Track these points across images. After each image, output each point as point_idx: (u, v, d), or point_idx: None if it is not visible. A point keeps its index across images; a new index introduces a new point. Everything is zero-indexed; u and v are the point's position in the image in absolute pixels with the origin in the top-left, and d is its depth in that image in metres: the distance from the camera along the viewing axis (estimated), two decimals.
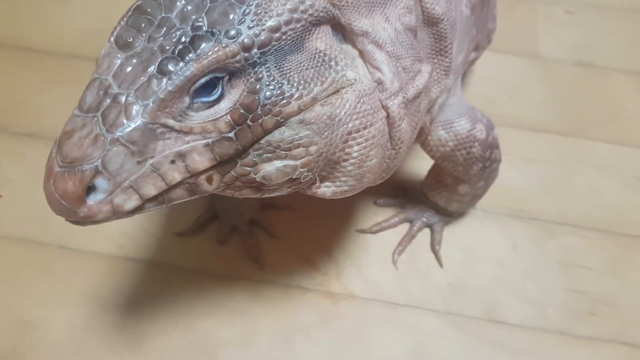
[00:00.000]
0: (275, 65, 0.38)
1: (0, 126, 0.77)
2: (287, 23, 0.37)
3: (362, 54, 0.43)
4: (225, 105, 0.37)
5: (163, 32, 0.36)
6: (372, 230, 0.70)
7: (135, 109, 0.35)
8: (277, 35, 0.37)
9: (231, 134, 0.37)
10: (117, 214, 0.36)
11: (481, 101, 0.78)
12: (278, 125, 0.38)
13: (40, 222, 0.68)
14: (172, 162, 0.36)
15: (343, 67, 0.40)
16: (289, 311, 0.64)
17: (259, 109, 0.37)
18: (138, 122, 0.35)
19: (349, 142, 0.42)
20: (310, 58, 0.39)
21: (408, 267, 0.68)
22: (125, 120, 0.35)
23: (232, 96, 0.37)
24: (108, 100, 0.35)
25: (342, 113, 0.40)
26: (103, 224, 0.37)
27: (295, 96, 0.38)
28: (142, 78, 0.35)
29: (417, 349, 0.63)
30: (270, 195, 0.42)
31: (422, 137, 0.56)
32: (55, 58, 0.84)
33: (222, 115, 0.37)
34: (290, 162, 0.40)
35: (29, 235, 0.68)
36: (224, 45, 0.36)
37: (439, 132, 0.56)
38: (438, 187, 0.65)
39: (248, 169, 0.39)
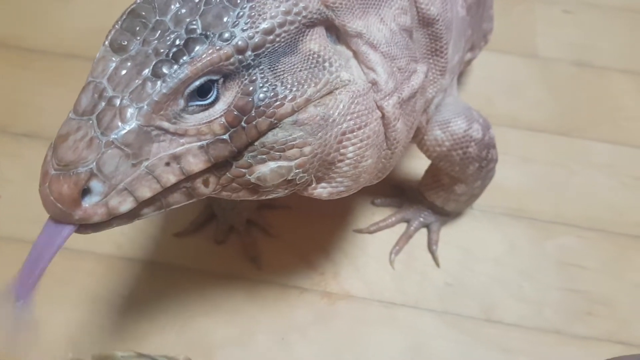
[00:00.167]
0: (269, 67, 0.38)
1: None
2: (281, 25, 0.37)
3: (356, 54, 0.43)
4: (219, 107, 0.37)
5: (157, 35, 0.36)
6: (370, 230, 0.70)
7: (129, 111, 0.35)
8: (271, 37, 0.37)
9: (225, 136, 0.37)
10: (112, 216, 0.36)
11: (479, 101, 0.78)
12: (272, 126, 0.38)
13: (39, 223, 0.66)
14: (167, 164, 0.36)
15: (337, 68, 0.40)
16: (287, 311, 0.65)
17: (253, 111, 0.37)
18: (133, 124, 0.35)
19: (344, 143, 0.42)
20: (304, 60, 0.39)
21: (405, 266, 0.68)
22: (120, 123, 0.35)
23: (227, 98, 0.37)
24: (103, 104, 0.35)
25: (336, 114, 0.40)
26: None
27: (289, 98, 0.38)
28: (137, 81, 0.36)
29: (414, 349, 0.63)
30: (267, 197, 0.42)
31: (418, 137, 0.56)
32: (55, 58, 0.84)
33: (217, 118, 0.37)
34: (285, 163, 0.40)
35: (28, 236, 0.68)
36: (217, 47, 0.36)
37: (436, 132, 0.56)
38: (435, 187, 0.65)
39: (243, 170, 0.39)
